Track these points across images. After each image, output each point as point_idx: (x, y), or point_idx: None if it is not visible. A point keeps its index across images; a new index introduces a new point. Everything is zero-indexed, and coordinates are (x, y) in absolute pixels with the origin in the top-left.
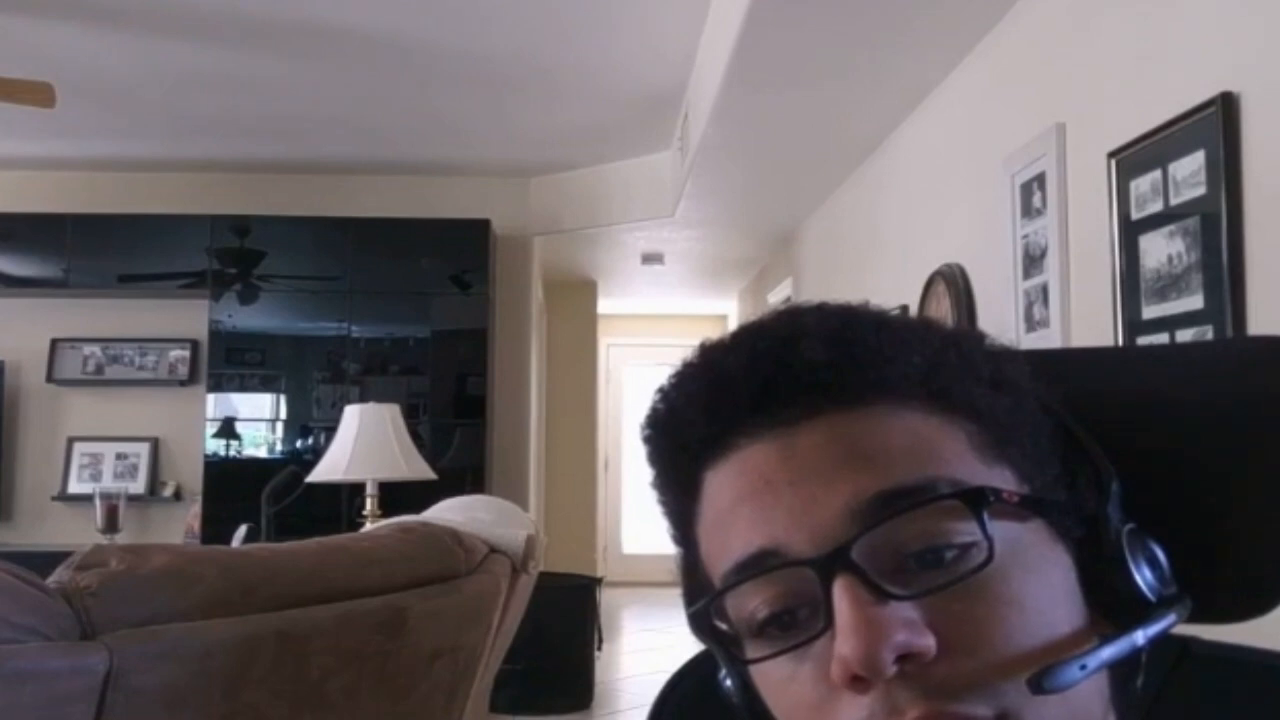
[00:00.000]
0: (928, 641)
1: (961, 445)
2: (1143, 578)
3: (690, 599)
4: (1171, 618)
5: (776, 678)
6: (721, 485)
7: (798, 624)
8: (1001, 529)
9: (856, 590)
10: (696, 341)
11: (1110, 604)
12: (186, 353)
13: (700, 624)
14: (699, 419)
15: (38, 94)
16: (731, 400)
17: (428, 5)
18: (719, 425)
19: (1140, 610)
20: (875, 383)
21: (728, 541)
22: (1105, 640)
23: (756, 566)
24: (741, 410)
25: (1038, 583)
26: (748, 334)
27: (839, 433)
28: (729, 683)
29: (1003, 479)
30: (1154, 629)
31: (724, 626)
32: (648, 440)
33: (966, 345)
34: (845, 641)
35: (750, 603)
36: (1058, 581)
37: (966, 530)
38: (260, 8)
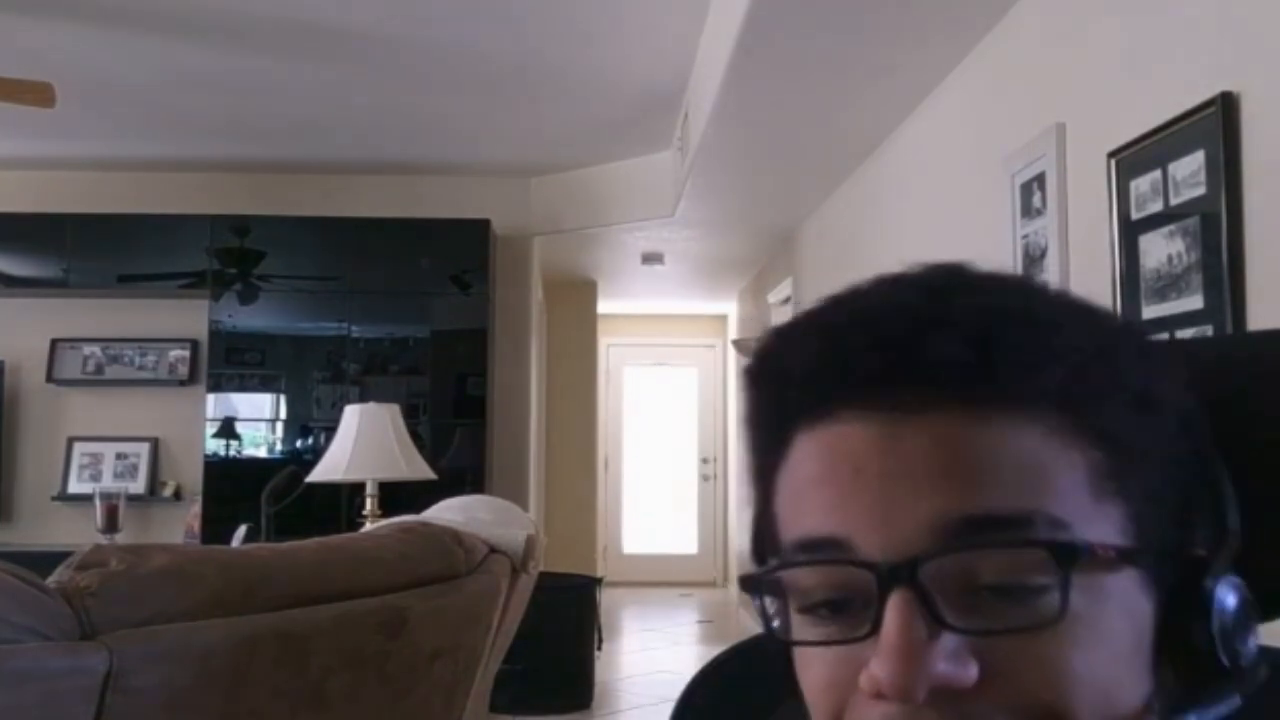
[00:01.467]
0: (969, 673)
1: (1077, 475)
2: (1232, 646)
3: (755, 543)
4: (1236, 698)
5: (809, 653)
6: (810, 454)
7: (849, 612)
8: (1086, 581)
9: (910, 611)
10: (696, 342)
11: (1188, 657)
12: (186, 353)
13: (751, 589)
14: (806, 377)
15: (38, 94)
16: (845, 370)
17: (428, 6)
18: (825, 390)
19: (1217, 670)
20: (1005, 392)
21: (801, 513)
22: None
23: (822, 553)
24: (854, 383)
25: (1105, 647)
26: (884, 299)
27: (948, 437)
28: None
29: (1108, 520)
30: (1220, 709)
31: (771, 602)
32: (748, 375)
33: (1122, 353)
34: (883, 663)
35: (808, 581)
36: (1128, 642)
37: (1046, 577)
38: (260, 8)
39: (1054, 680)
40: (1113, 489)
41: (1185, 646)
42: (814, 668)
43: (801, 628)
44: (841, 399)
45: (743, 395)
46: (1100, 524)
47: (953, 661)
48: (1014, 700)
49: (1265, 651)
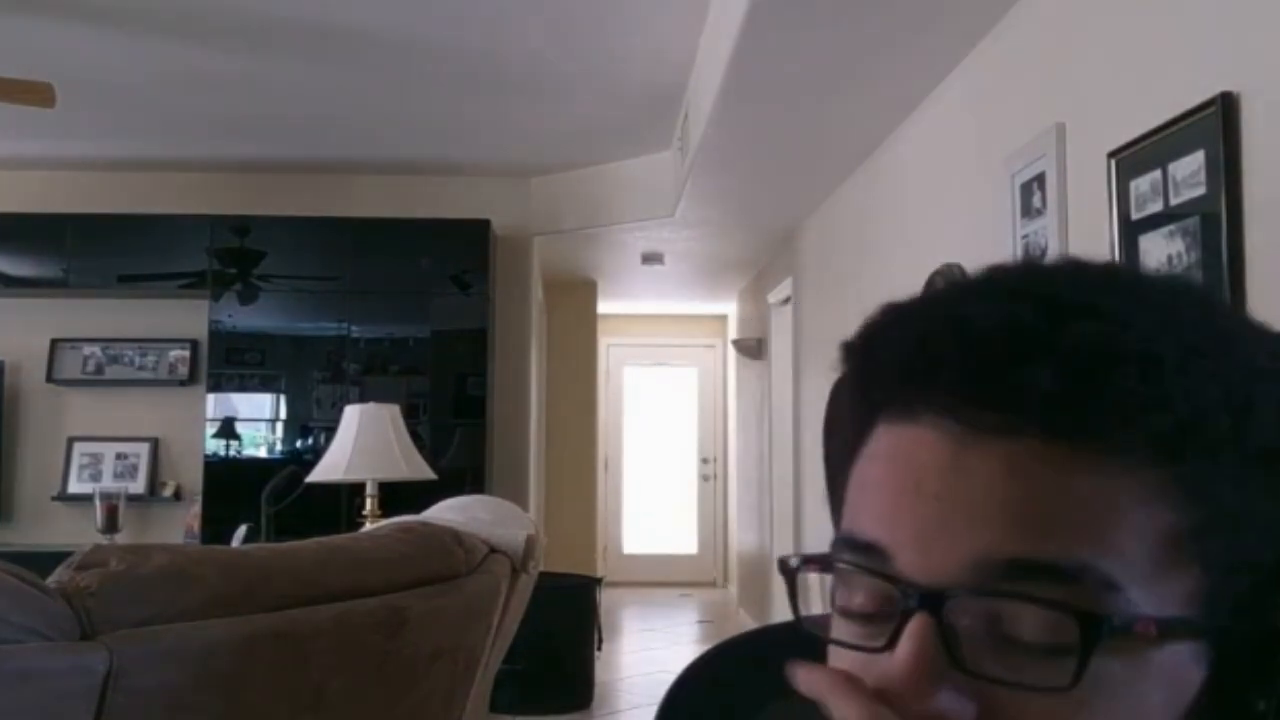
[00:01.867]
0: (967, 713)
1: (1152, 533)
2: None
3: (832, 501)
4: None
5: (834, 647)
6: (883, 450)
7: (880, 618)
8: (1120, 647)
9: (927, 639)
10: (696, 342)
11: None
12: (186, 353)
13: (788, 575)
14: (895, 372)
15: (38, 94)
16: (932, 376)
17: (428, 5)
18: (909, 390)
19: None
20: (1098, 433)
21: (859, 508)
22: None
23: (862, 557)
24: (938, 392)
25: (1128, 711)
26: (994, 307)
27: (1018, 470)
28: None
29: (1174, 587)
30: None
31: (816, 580)
32: (844, 352)
33: (1256, 401)
34: (888, 679)
35: (846, 581)
36: (1158, 710)
37: (1071, 641)
38: (261, 8)
39: None
40: (1191, 553)
41: (1242, 713)
42: (838, 660)
43: (836, 622)
44: (924, 403)
45: (839, 362)
46: (1162, 590)
47: (954, 700)
48: None
49: None
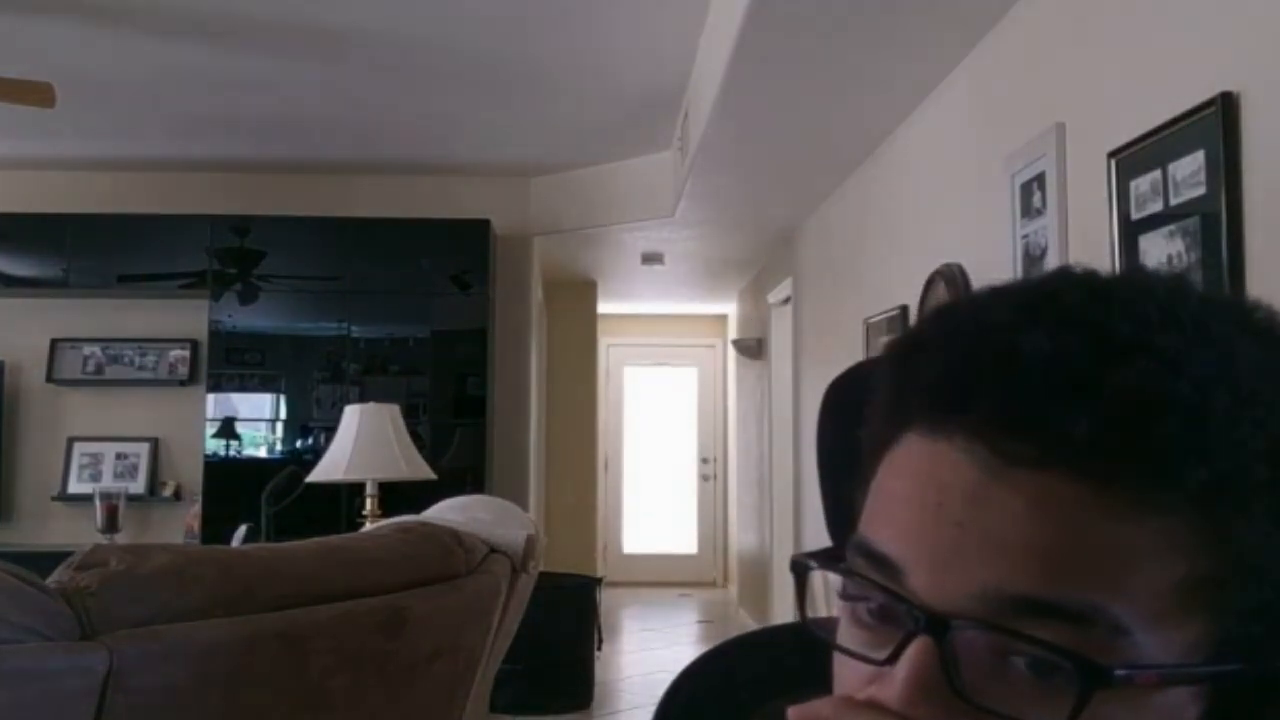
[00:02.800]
0: None
1: (1170, 580)
2: None
3: (832, 519)
4: None
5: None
6: (910, 463)
7: (886, 629)
8: (1123, 695)
9: (927, 662)
10: (696, 342)
11: None
12: (186, 353)
13: (798, 573)
14: (932, 385)
15: (38, 94)
16: (968, 398)
17: (427, 5)
18: (946, 407)
19: None
20: (1130, 478)
21: (878, 518)
22: None
23: (875, 569)
24: (974, 414)
25: None
26: (1042, 333)
27: (1043, 506)
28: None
29: (1183, 633)
30: None
31: (826, 580)
32: (889, 351)
33: None
34: (884, 697)
35: (857, 585)
36: None
37: (1070, 683)
38: (260, 7)
39: None
40: (1208, 601)
41: None
42: (841, 667)
43: (843, 627)
44: (958, 425)
45: (879, 364)
46: (1170, 635)
47: (947, 716)
48: None
49: None
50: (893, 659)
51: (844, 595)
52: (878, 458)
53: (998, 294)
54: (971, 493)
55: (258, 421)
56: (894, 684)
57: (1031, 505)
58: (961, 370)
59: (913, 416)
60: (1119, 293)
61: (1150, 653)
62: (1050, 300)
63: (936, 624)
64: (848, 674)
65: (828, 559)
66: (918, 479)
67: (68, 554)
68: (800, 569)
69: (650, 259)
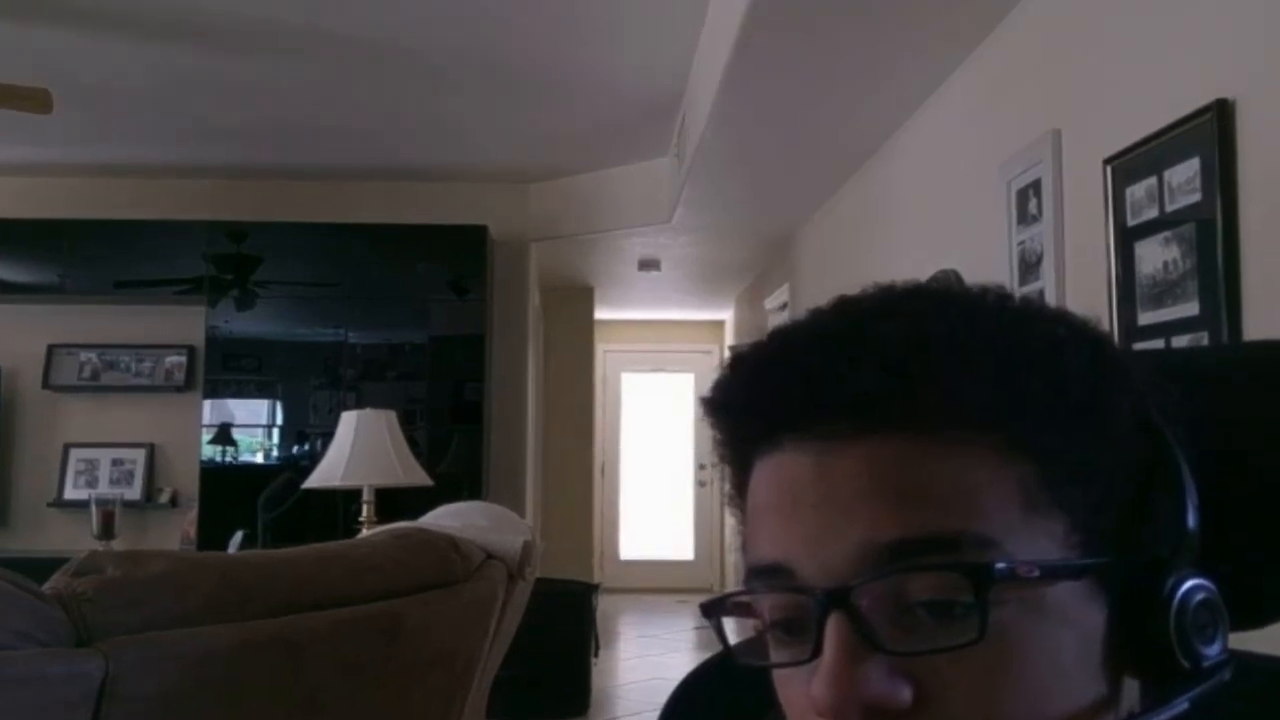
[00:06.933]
0: (902, 695)
1: (1008, 492)
2: (1191, 647)
3: (744, 555)
4: (1185, 703)
5: (777, 672)
6: (762, 481)
7: (801, 635)
8: (1015, 597)
9: (845, 634)
10: (693, 347)
11: (1149, 659)
12: (183, 359)
13: (709, 615)
14: (751, 410)
15: (35, 100)
16: (781, 403)
17: (426, 12)
18: (769, 421)
19: (1176, 672)
20: (930, 415)
21: (756, 538)
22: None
23: (769, 579)
24: (791, 415)
25: (1042, 661)
26: (808, 328)
27: (876, 463)
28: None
29: (1046, 534)
30: (1165, 712)
31: (739, 623)
32: (707, 407)
33: (1066, 363)
34: (820, 684)
35: (763, 604)
36: (1071, 652)
37: (969, 597)
38: (259, 13)
39: (981, 700)
40: (1049, 501)
41: (1146, 649)
42: (783, 687)
43: (771, 649)
44: (783, 429)
45: (708, 424)
46: (1036, 538)
47: (887, 683)
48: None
49: (1236, 656)
50: (817, 650)
51: (764, 627)
52: (742, 503)
53: (772, 330)
54: (814, 478)
55: (254, 427)
56: (825, 667)
57: (865, 467)
58: (763, 388)
59: (753, 450)
60: (866, 293)
61: (1023, 553)
62: (811, 311)
63: (837, 596)
64: (791, 693)
65: (729, 596)
66: (772, 488)
67: (64, 560)
68: (709, 611)
69: (647, 265)
